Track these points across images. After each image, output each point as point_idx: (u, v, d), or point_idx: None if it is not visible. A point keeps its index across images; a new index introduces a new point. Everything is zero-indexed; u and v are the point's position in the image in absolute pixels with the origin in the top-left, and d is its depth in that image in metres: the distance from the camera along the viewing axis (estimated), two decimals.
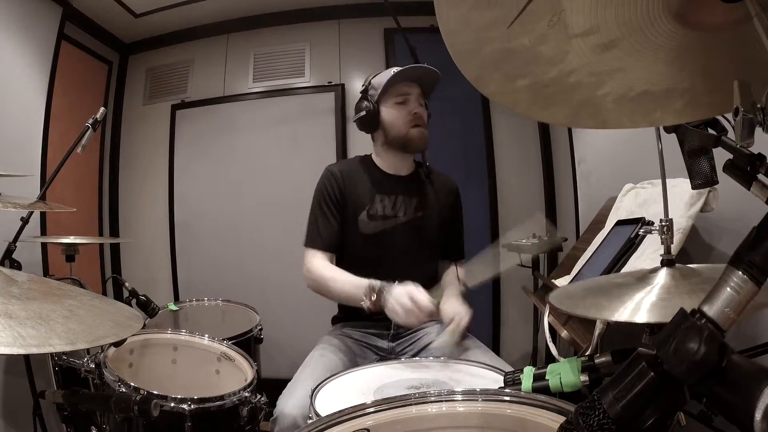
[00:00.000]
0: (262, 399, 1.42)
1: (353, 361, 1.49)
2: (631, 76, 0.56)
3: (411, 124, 1.61)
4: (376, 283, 1.40)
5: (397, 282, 1.38)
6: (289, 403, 1.22)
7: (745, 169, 0.68)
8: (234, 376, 1.53)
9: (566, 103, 0.60)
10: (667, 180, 0.93)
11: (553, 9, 0.50)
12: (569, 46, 0.53)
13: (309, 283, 1.60)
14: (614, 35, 0.52)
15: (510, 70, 0.56)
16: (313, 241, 1.62)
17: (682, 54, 0.54)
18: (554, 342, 1.24)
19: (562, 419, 0.54)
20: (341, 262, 1.69)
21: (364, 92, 1.68)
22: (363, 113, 1.64)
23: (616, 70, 0.55)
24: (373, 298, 1.39)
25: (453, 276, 1.68)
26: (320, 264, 1.58)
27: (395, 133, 1.63)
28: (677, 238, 1.13)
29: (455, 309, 1.45)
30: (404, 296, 1.33)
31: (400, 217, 1.64)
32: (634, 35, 0.52)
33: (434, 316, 1.39)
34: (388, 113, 1.63)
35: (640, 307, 0.75)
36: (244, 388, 1.36)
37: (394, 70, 1.62)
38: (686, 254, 1.29)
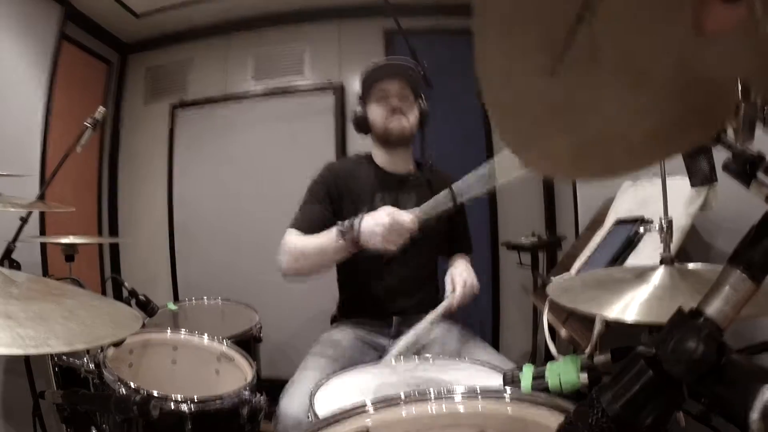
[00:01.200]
0: (262, 399, 1.41)
1: (354, 357, 1.49)
2: (657, 108, 0.52)
3: (390, 116, 1.63)
4: (344, 222, 1.36)
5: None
6: (291, 403, 1.22)
7: (744, 167, 0.68)
8: (234, 375, 1.53)
9: (603, 155, 0.53)
10: (667, 178, 0.93)
11: (590, 42, 0.45)
12: (601, 92, 0.48)
13: (284, 264, 1.50)
14: (644, 64, 0.48)
15: (550, 129, 0.50)
16: (294, 223, 1.59)
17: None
18: (553, 341, 1.24)
19: (561, 418, 0.54)
20: (338, 264, 1.69)
21: (359, 96, 1.73)
22: (354, 116, 1.70)
23: (644, 107, 0.51)
24: (346, 236, 1.33)
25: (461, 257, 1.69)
26: (291, 238, 1.53)
27: (377, 129, 1.66)
28: (676, 236, 1.13)
29: (453, 278, 1.47)
30: (382, 215, 1.30)
31: None
32: (661, 59, 0.48)
33: (414, 234, 1.34)
34: (372, 111, 1.67)
35: (638, 306, 0.75)
36: (244, 388, 1.36)
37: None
38: (685, 253, 1.29)
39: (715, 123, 0.55)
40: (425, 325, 1.21)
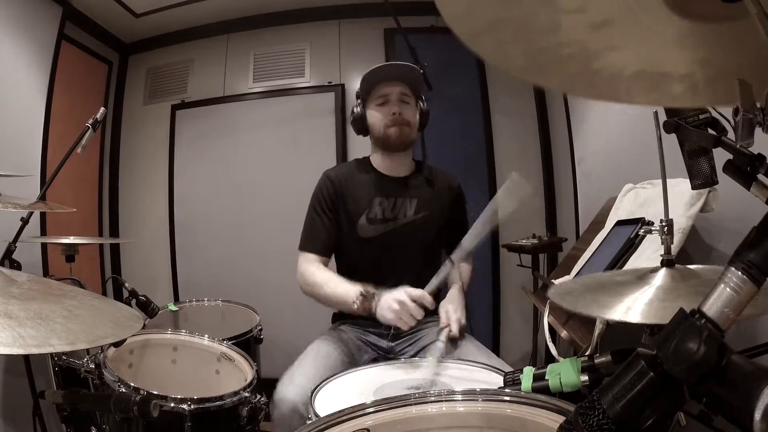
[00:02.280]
0: (262, 399, 1.42)
1: (352, 356, 1.50)
2: (625, 55, 0.55)
3: (389, 123, 1.61)
4: (369, 288, 1.41)
5: (390, 287, 1.38)
6: (289, 390, 1.24)
7: (744, 169, 0.68)
8: (234, 376, 1.53)
9: (560, 72, 0.59)
10: (667, 180, 0.93)
11: None
12: (560, 20, 0.52)
13: (301, 286, 1.61)
14: (606, 15, 0.51)
15: (502, 36, 0.55)
16: (307, 245, 1.63)
17: (679, 42, 0.53)
18: (554, 342, 1.24)
19: (562, 419, 0.54)
20: (341, 267, 1.69)
21: (357, 95, 1.70)
22: (352, 117, 1.68)
23: (609, 48, 0.54)
24: (364, 302, 1.39)
25: (456, 275, 1.67)
26: (313, 268, 1.59)
27: (376, 134, 1.65)
28: (677, 238, 1.13)
29: (449, 314, 1.45)
30: (392, 301, 1.33)
31: (400, 219, 1.63)
32: (628, 18, 0.51)
33: (428, 308, 1.36)
34: (371, 115, 1.65)
35: (639, 307, 0.75)
36: (244, 389, 1.36)
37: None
38: (686, 254, 1.29)
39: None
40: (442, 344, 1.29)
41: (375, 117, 1.64)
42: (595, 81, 0.58)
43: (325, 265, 1.63)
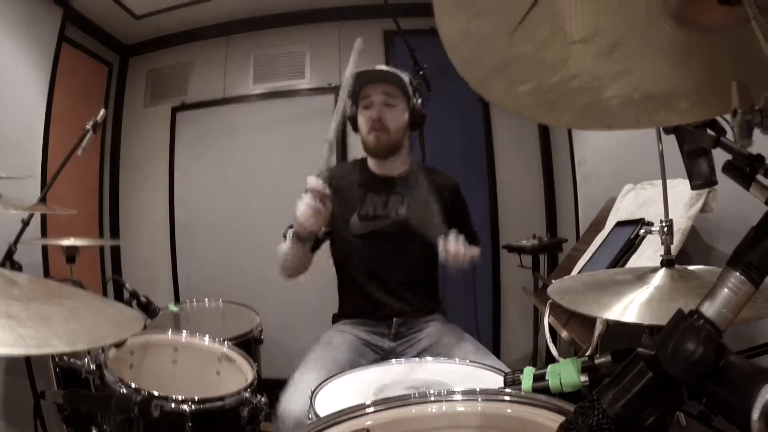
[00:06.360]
0: (263, 399, 1.42)
1: (354, 358, 1.49)
2: (634, 78, 0.55)
3: (369, 129, 1.63)
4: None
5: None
6: (292, 402, 1.23)
7: (744, 169, 0.68)
8: (234, 376, 1.54)
9: (570, 107, 0.59)
10: (667, 181, 0.93)
11: (553, 16, 0.50)
12: (570, 53, 0.53)
13: (281, 272, 1.64)
14: (614, 40, 0.52)
15: (513, 76, 0.56)
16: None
17: (684, 55, 0.54)
18: (554, 342, 1.24)
19: (562, 419, 0.54)
20: (337, 263, 1.71)
21: (349, 95, 1.70)
22: (348, 116, 1.69)
23: (618, 74, 0.55)
24: (292, 235, 1.49)
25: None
26: (279, 246, 1.61)
27: (362, 137, 1.67)
28: (677, 238, 1.13)
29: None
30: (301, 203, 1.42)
31: (391, 217, 1.64)
32: (635, 39, 0.52)
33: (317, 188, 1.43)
34: (359, 118, 1.67)
35: (638, 307, 0.75)
36: (245, 389, 1.36)
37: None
38: (686, 255, 1.29)
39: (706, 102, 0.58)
40: None
41: (360, 121, 1.66)
42: (606, 110, 0.59)
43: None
